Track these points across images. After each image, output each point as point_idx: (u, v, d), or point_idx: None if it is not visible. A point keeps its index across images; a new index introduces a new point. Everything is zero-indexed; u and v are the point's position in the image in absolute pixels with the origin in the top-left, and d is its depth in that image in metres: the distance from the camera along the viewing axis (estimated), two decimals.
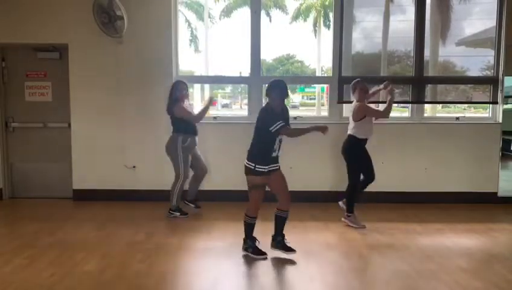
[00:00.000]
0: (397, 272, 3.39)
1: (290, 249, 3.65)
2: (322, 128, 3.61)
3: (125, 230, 4.37)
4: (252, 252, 3.65)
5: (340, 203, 4.74)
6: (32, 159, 5.76)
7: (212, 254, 3.83)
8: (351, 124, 4.61)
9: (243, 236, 3.70)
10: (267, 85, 3.67)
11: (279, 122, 3.44)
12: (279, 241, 3.67)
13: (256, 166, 3.50)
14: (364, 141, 4.57)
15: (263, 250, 3.67)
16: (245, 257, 3.69)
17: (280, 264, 3.54)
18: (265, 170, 3.53)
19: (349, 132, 4.62)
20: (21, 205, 5.52)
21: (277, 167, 3.63)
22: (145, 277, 3.25)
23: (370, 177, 4.61)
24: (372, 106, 4.73)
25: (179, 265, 3.63)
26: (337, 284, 3.23)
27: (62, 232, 4.32)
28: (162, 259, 3.67)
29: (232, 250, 3.87)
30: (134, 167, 5.56)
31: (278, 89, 3.53)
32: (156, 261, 3.59)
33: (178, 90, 4.78)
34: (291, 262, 3.57)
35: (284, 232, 3.70)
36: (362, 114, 4.50)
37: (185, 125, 4.75)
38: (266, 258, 3.62)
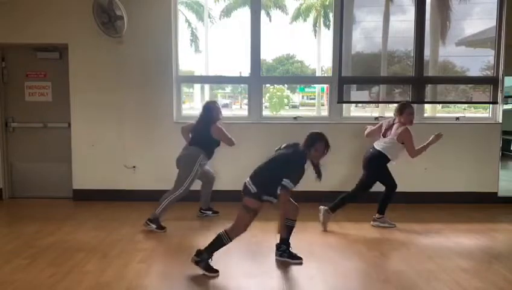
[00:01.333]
0: (397, 272, 3.39)
1: (297, 257, 3.58)
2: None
3: (125, 230, 4.37)
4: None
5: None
6: (32, 159, 5.76)
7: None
8: (386, 141, 4.50)
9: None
10: (309, 135, 3.39)
11: (293, 184, 3.27)
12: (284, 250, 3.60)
13: (263, 194, 3.30)
14: (388, 160, 4.51)
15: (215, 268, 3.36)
16: (246, 256, 3.69)
17: (280, 264, 3.54)
18: (269, 200, 3.36)
19: (378, 148, 4.50)
20: (21, 205, 5.52)
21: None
22: (145, 277, 3.26)
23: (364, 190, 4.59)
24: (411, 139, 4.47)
25: (179, 265, 3.62)
26: (337, 284, 3.23)
27: (62, 232, 4.32)
28: (162, 259, 3.67)
29: (232, 250, 3.86)
30: (134, 167, 5.56)
31: (324, 142, 3.34)
32: (156, 261, 3.60)
33: (217, 111, 4.63)
34: (291, 263, 3.56)
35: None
36: (401, 140, 4.43)
37: (210, 146, 4.63)
38: (218, 275, 3.30)
